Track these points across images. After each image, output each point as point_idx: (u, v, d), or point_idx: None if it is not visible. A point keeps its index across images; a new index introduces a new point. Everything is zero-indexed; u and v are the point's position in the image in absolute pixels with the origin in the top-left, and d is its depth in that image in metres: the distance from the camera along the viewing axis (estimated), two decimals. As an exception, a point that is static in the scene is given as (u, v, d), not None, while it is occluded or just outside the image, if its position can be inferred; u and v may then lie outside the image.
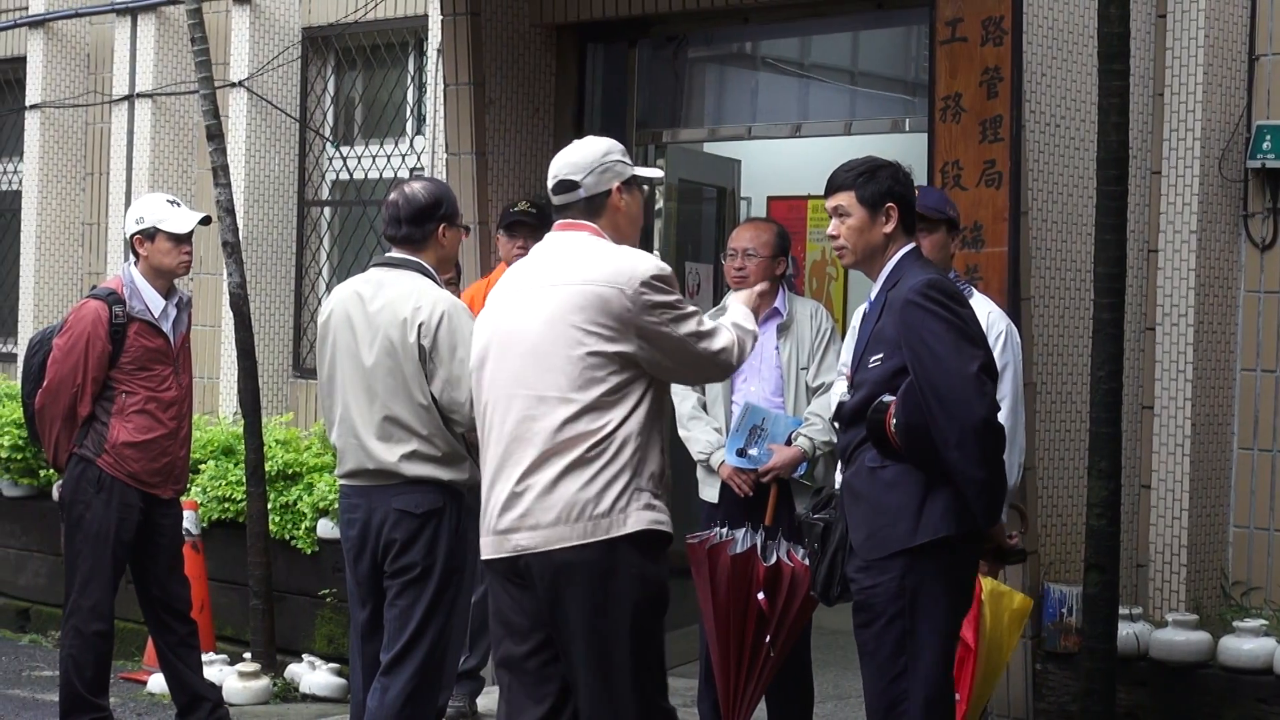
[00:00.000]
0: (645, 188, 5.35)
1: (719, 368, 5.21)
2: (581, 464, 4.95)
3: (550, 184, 5.23)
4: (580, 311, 4.97)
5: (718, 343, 5.12)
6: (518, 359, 5.05)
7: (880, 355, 5.09)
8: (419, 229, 5.97)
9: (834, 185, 5.23)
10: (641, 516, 4.98)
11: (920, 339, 4.96)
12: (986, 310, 5.82)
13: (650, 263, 5.06)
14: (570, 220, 5.19)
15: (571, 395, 4.96)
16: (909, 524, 4.99)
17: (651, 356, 5.00)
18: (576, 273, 5.03)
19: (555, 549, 4.96)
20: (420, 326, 5.80)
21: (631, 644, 4.95)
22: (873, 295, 5.24)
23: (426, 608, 5.89)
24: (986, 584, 5.92)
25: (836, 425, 5.39)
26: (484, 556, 5.13)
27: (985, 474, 4.90)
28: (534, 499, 4.97)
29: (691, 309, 5.11)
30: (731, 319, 5.33)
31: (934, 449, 4.92)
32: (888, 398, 5.02)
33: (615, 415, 4.97)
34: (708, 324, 5.13)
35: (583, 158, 5.18)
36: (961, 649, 5.90)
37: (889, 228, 5.16)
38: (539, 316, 5.03)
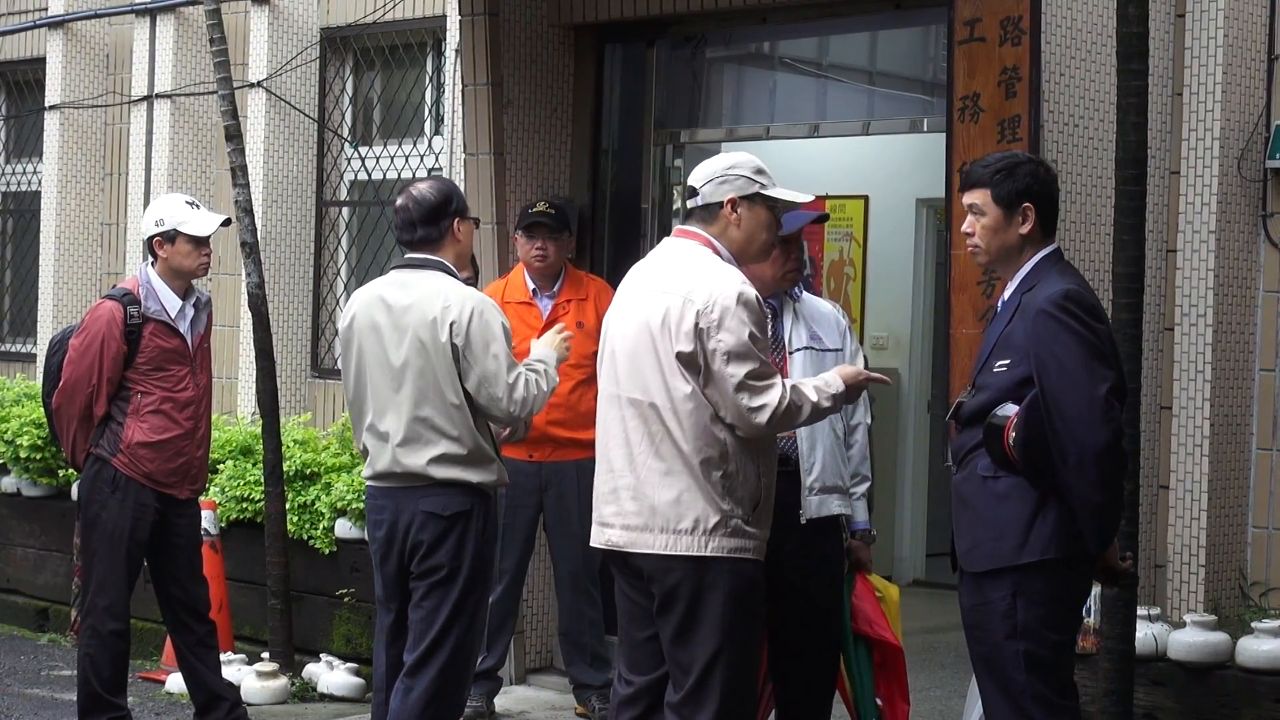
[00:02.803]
0: (773, 209, 5.32)
1: (748, 425, 5.05)
2: (668, 474, 5.05)
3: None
4: (661, 319, 5.08)
5: (758, 400, 5.01)
6: (613, 359, 5.23)
7: (1008, 361, 4.90)
8: (434, 228, 5.99)
9: (970, 181, 5.03)
10: (723, 544, 5.06)
11: (1051, 352, 4.77)
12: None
13: (733, 289, 5.05)
14: (686, 228, 5.29)
15: (645, 398, 5.10)
16: (1016, 540, 4.83)
17: (704, 377, 5.05)
18: (668, 282, 5.14)
19: (642, 553, 5.11)
20: (451, 325, 5.82)
21: (716, 644, 5.06)
22: (1006, 296, 5.03)
23: (452, 610, 5.90)
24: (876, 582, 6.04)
25: (952, 424, 5.18)
26: (591, 543, 5.32)
27: (1102, 499, 4.75)
28: (627, 499, 5.12)
29: (755, 356, 5.02)
30: (815, 382, 5.24)
31: (1051, 466, 4.76)
32: (1010, 407, 4.85)
33: (696, 426, 5.04)
34: (767, 381, 5.03)
35: (711, 167, 5.28)
36: (890, 652, 5.96)
37: (1025, 228, 4.95)
38: (633, 320, 5.17)
